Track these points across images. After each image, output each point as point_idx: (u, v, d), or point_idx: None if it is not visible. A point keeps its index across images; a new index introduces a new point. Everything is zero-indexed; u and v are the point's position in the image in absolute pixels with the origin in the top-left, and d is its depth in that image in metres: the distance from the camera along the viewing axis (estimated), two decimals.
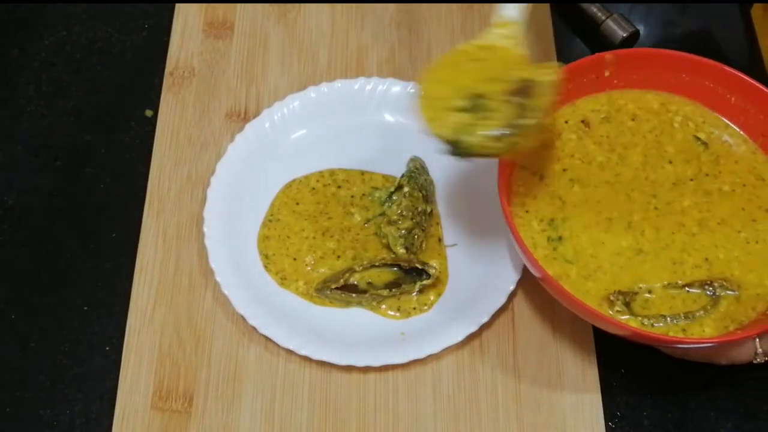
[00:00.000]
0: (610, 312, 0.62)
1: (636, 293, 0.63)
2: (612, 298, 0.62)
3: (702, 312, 0.62)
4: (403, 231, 0.70)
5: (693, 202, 0.66)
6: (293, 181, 0.75)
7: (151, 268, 0.72)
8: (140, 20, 0.85)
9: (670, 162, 0.68)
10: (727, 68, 0.69)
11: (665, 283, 0.63)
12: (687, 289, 0.63)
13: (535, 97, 0.61)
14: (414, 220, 0.70)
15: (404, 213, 0.71)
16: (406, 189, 0.72)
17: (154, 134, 0.78)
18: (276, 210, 0.74)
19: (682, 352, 0.64)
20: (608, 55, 0.69)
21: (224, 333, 0.69)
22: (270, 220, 0.73)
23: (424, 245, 0.71)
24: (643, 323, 0.62)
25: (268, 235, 0.73)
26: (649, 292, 0.63)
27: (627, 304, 0.62)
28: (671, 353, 0.65)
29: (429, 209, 0.72)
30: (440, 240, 0.72)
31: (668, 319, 0.62)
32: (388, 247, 0.71)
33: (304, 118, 0.77)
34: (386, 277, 0.70)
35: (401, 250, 0.70)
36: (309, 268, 0.71)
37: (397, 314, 0.69)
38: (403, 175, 0.73)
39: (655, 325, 0.62)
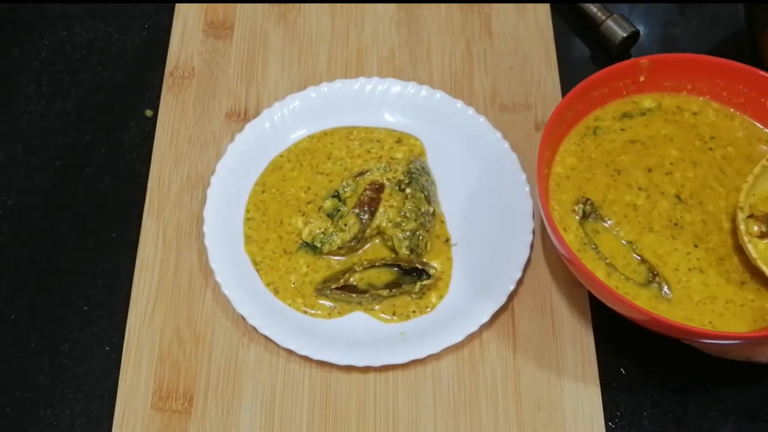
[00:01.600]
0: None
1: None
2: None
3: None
4: (407, 232, 0.70)
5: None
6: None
7: (151, 268, 0.72)
8: (140, 20, 0.85)
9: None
10: (762, 73, 0.68)
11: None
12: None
13: None
14: (418, 221, 0.70)
15: (408, 215, 0.71)
16: (408, 190, 0.72)
17: (154, 134, 0.78)
18: (251, 206, 0.74)
19: (721, 350, 0.64)
20: (643, 60, 0.69)
21: (224, 333, 0.69)
22: (248, 218, 0.73)
23: (428, 246, 0.71)
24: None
25: (249, 235, 0.72)
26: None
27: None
28: (709, 351, 0.65)
29: (432, 210, 0.72)
30: (447, 241, 0.72)
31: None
32: (392, 249, 0.71)
33: (304, 118, 0.77)
34: (386, 277, 0.70)
35: (406, 252, 0.70)
36: (293, 285, 0.70)
37: (394, 318, 0.69)
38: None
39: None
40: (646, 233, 0.65)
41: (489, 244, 0.71)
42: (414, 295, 0.69)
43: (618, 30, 0.81)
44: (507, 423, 0.65)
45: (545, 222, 0.64)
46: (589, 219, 0.66)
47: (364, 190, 0.72)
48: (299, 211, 0.73)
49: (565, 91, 0.79)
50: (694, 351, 0.67)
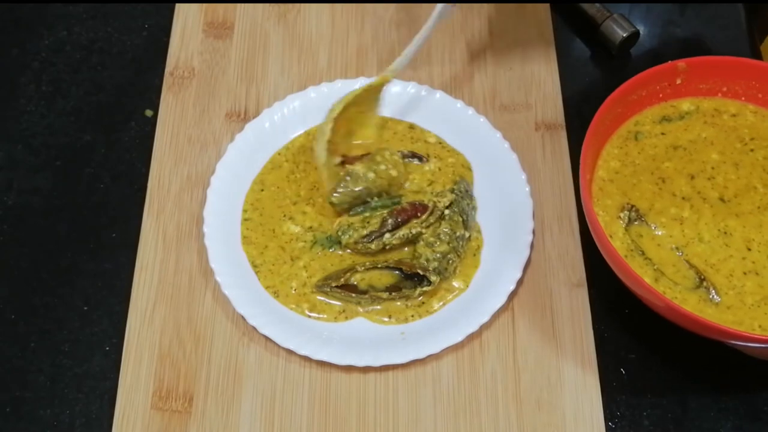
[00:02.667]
0: None
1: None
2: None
3: None
4: (437, 254, 0.69)
5: None
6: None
7: (151, 268, 0.72)
8: (140, 20, 0.85)
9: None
10: None
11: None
12: None
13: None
14: (450, 245, 0.70)
15: (442, 236, 0.70)
16: (447, 212, 0.71)
17: (154, 134, 0.78)
18: (248, 205, 0.74)
19: (758, 351, 0.64)
20: (681, 63, 0.70)
21: (224, 333, 0.69)
22: (245, 219, 0.73)
23: (457, 271, 0.70)
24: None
25: (246, 236, 0.72)
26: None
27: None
28: (749, 352, 0.65)
29: (468, 235, 0.71)
30: (478, 249, 0.72)
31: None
32: (424, 267, 0.69)
33: (304, 118, 0.77)
34: (387, 279, 0.70)
35: (434, 278, 0.68)
36: (294, 291, 0.70)
37: (392, 321, 0.69)
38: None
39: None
40: (696, 243, 0.66)
41: (489, 244, 0.71)
42: (409, 303, 0.69)
43: (618, 30, 0.81)
44: (507, 423, 0.65)
45: (591, 229, 0.64)
46: (634, 224, 0.66)
47: (406, 202, 0.72)
48: (294, 207, 0.73)
49: (565, 91, 0.79)
50: (693, 351, 0.67)
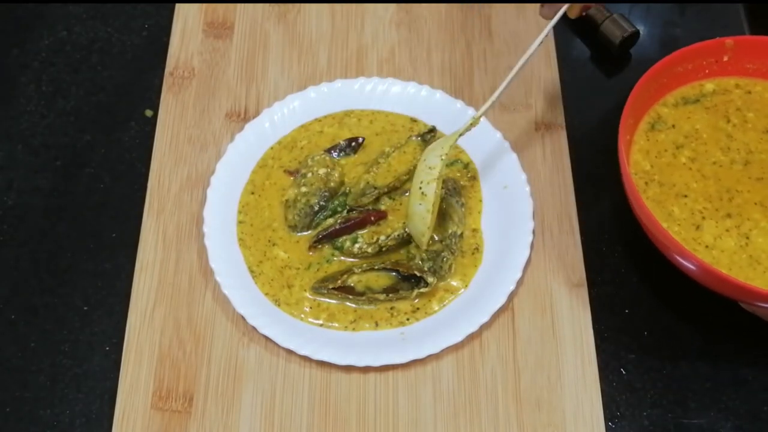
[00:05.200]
0: None
1: None
2: None
3: None
4: (431, 252, 0.69)
5: None
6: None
7: (151, 268, 0.72)
8: (140, 20, 0.85)
9: None
10: None
11: None
12: None
13: None
14: (443, 243, 0.70)
15: (434, 235, 0.70)
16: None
17: (154, 134, 0.78)
18: (242, 206, 0.74)
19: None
20: (728, 41, 0.70)
21: (224, 333, 0.69)
22: (239, 221, 0.73)
23: (453, 269, 0.70)
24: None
25: (242, 238, 0.72)
26: None
27: None
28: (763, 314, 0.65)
29: (459, 231, 0.71)
30: (477, 249, 0.72)
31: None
32: (420, 269, 0.69)
33: (304, 118, 0.77)
34: (384, 281, 0.70)
35: (431, 279, 0.68)
36: (308, 310, 0.69)
37: (392, 323, 0.69)
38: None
39: None
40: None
41: (489, 244, 0.71)
42: (414, 300, 0.69)
43: (618, 30, 0.81)
44: (507, 423, 0.65)
45: (627, 188, 0.65)
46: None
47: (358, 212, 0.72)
48: (274, 234, 0.72)
49: (565, 91, 0.79)
50: (694, 351, 0.67)
